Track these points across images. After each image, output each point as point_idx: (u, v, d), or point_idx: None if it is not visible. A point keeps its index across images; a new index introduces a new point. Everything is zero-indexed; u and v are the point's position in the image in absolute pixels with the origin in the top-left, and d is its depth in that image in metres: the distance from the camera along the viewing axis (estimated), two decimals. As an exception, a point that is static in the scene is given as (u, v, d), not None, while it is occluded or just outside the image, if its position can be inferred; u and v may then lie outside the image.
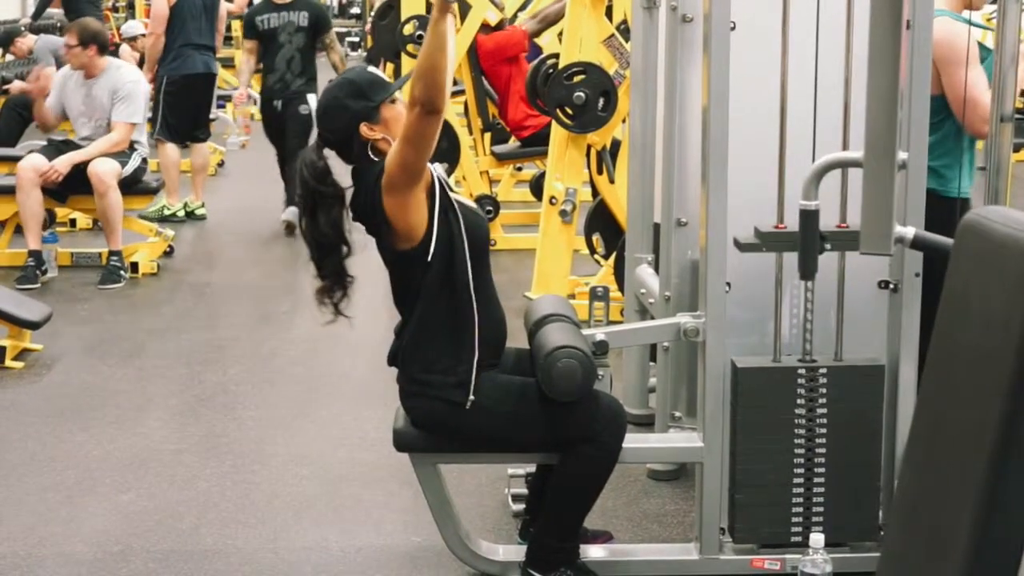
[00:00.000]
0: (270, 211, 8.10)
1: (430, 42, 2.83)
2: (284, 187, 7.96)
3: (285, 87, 7.81)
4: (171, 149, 8.11)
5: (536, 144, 7.39)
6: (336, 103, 3.08)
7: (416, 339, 3.08)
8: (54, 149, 6.65)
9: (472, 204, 3.24)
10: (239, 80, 8.15)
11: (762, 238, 3.15)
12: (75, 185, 6.51)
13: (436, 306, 3.05)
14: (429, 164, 3.05)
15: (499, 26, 7.77)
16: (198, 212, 8.26)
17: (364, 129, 3.06)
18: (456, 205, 3.06)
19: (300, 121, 7.70)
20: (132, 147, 6.77)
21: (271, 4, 7.88)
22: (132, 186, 6.79)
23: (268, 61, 7.88)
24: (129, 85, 6.74)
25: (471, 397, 3.03)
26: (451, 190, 3.12)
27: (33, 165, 6.48)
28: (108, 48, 6.94)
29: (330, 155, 3.11)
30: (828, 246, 3.02)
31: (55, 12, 13.60)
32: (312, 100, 7.72)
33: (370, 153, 3.07)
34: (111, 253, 6.57)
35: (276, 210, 7.88)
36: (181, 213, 8.18)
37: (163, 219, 7.92)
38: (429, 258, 3.00)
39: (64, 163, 6.48)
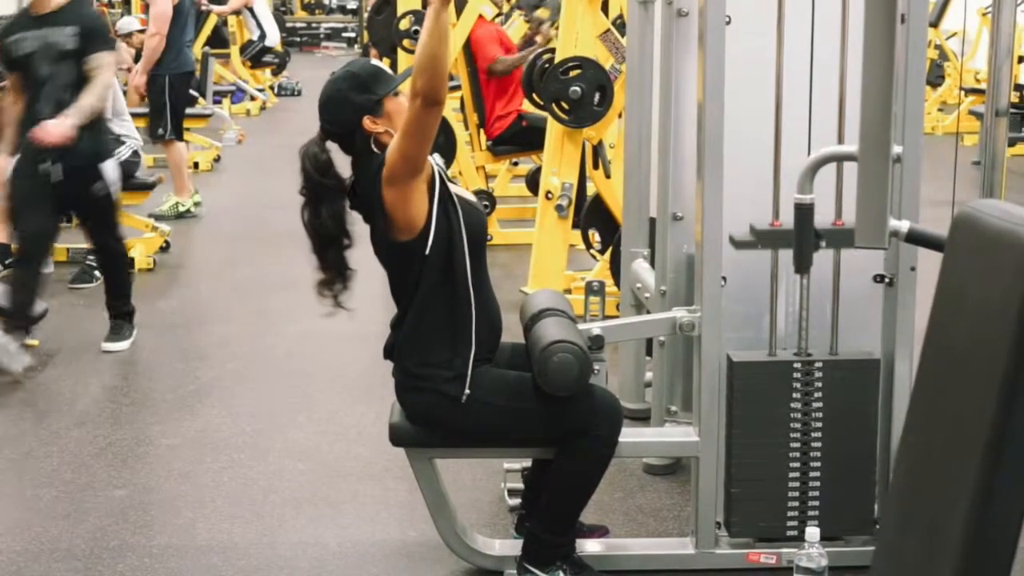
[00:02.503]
0: (267, 206, 8.09)
1: (431, 32, 2.82)
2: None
3: (63, 148, 4.89)
4: (181, 147, 8.15)
5: (504, 143, 7.43)
6: (339, 96, 3.08)
7: (413, 332, 3.08)
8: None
9: (471, 197, 3.25)
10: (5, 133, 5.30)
11: (758, 236, 3.15)
12: None
13: (434, 299, 3.06)
14: (429, 156, 3.05)
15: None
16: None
17: (367, 122, 3.06)
18: (455, 198, 3.06)
19: (97, 204, 5.21)
20: (119, 140, 6.73)
21: (27, 17, 5.13)
22: (124, 181, 6.76)
23: (28, 104, 5.06)
24: None
25: (467, 391, 3.03)
26: (451, 182, 3.12)
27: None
28: None
29: (332, 147, 3.11)
30: (823, 244, 3.02)
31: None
32: (111, 170, 5.23)
33: (372, 146, 3.07)
34: (88, 252, 6.47)
35: (273, 205, 7.87)
36: (195, 208, 8.17)
37: (179, 216, 7.97)
38: (427, 251, 3.00)
39: None
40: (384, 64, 3.22)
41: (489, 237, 7.13)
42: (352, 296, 3.19)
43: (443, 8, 2.81)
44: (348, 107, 3.06)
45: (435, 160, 3.08)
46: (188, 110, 9.76)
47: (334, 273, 3.16)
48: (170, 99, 7.95)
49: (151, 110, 7.93)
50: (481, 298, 3.08)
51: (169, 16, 7.96)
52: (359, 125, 3.06)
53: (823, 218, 3.05)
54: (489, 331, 3.12)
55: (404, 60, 7.28)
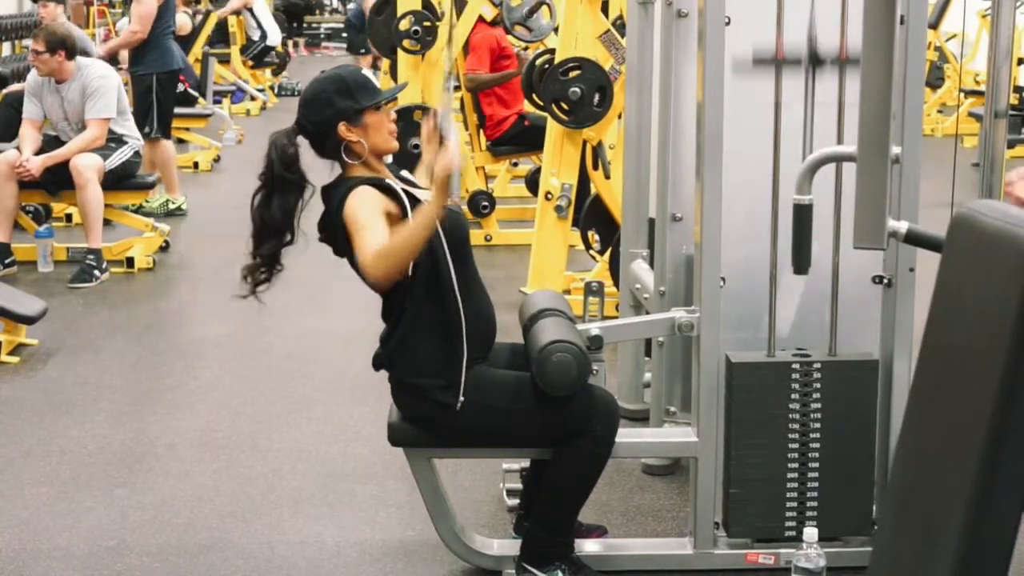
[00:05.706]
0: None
1: (417, 232, 2.84)
2: None
3: None
4: (168, 145, 8.12)
5: (505, 144, 7.45)
6: (322, 96, 3.07)
7: (403, 344, 3.07)
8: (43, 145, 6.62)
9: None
10: None
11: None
12: (66, 180, 6.48)
13: (422, 312, 3.04)
14: (391, 179, 3.05)
15: (495, 23, 7.76)
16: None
17: (342, 128, 3.05)
18: None
19: None
20: (121, 140, 6.74)
21: None
22: (125, 180, 6.77)
23: None
24: (97, 81, 6.63)
25: (461, 398, 3.03)
26: (419, 188, 3.10)
27: (7, 160, 6.46)
28: (76, 52, 6.75)
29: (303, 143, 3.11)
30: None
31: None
32: None
33: (343, 153, 3.07)
34: (89, 251, 6.47)
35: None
36: (185, 206, 8.17)
37: (169, 214, 7.96)
38: (408, 272, 2.98)
39: (37, 164, 6.44)
40: (371, 72, 3.20)
41: (488, 237, 7.24)
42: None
43: (441, 209, 2.82)
44: (328, 109, 3.05)
45: (396, 184, 3.03)
46: (188, 110, 9.72)
47: (263, 263, 3.14)
48: (157, 98, 7.90)
49: (137, 110, 7.69)
50: (470, 301, 3.06)
51: (153, 16, 7.82)
52: (334, 129, 3.05)
53: (820, 215, 3.04)
54: (482, 331, 3.11)
55: (404, 61, 7.27)
